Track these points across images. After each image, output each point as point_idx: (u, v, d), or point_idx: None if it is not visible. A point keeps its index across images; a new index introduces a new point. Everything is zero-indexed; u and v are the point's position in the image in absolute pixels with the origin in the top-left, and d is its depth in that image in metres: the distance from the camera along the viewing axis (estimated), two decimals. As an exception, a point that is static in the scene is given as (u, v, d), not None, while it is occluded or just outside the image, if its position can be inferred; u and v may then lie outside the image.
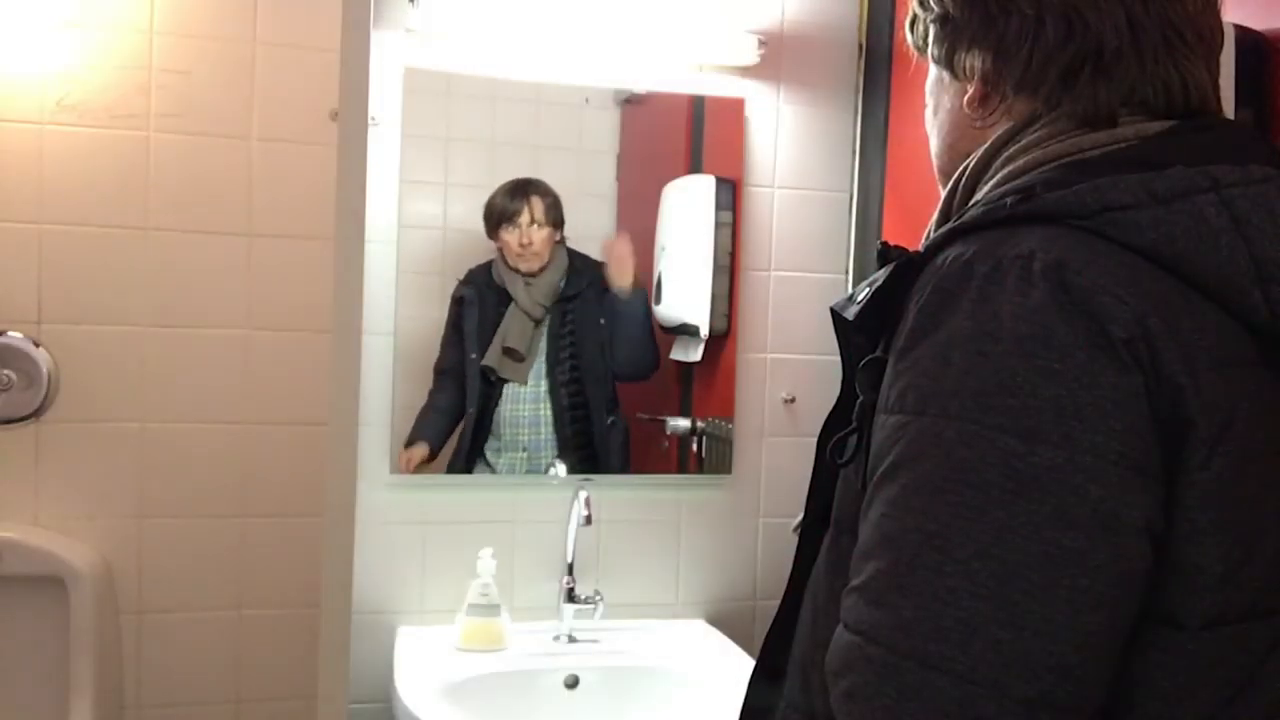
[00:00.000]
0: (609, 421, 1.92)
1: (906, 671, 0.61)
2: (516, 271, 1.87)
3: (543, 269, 1.88)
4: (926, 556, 0.62)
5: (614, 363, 1.92)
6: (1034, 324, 0.63)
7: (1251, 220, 0.67)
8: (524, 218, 1.86)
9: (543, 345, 1.89)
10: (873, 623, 0.63)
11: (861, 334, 0.75)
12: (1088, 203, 0.67)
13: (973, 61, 0.80)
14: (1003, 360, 0.63)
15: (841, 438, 0.76)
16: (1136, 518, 0.62)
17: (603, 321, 1.91)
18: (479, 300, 1.86)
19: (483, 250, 1.86)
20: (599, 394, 1.92)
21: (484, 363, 1.87)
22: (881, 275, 0.74)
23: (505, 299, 1.87)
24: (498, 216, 1.86)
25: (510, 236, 1.86)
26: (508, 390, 1.89)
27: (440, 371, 1.86)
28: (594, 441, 1.91)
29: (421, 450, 1.85)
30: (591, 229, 1.91)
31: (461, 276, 1.85)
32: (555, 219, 1.88)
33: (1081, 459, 0.61)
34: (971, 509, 0.61)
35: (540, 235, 1.87)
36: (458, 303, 1.85)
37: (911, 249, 0.75)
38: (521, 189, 1.86)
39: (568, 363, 1.90)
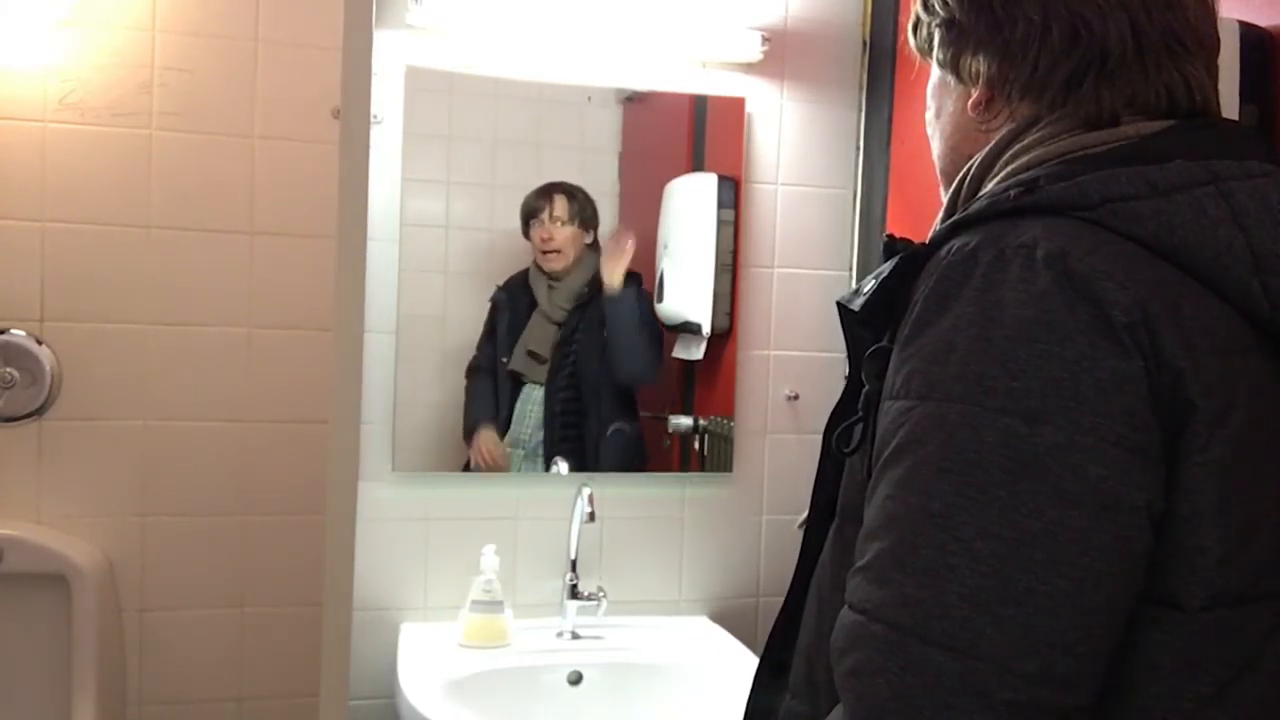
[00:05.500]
0: (611, 429, 1.91)
1: (909, 648, 0.62)
2: (543, 273, 1.88)
3: (568, 271, 1.89)
4: (930, 535, 0.63)
5: (614, 368, 1.90)
6: (1037, 309, 0.64)
7: (1250, 213, 0.68)
8: (546, 214, 1.86)
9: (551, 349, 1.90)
10: (876, 601, 0.64)
11: (867, 327, 0.76)
12: (1089, 194, 0.68)
13: (978, 66, 0.80)
14: (1005, 344, 0.64)
15: (848, 427, 0.77)
16: (1136, 498, 0.63)
17: (605, 327, 1.90)
18: (510, 305, 1.87)
19: (485, 248, 1.87)
20: (596, 401, 1.91)
21: (510, 366, 1.88)
22: (886, 268, 0.74)
23: (535, 302, 1.88)
24: (526, 214, 1.87)
25: (535, 233, 1.87)
26: (524, 391, 1.89)
27: (474, 369, 1.87)
28: (584, 449, 1.90)
29: (489, 432, 1.87)
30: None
31: (500, 282, 1.87)
32: (583, 219, 1.88)
33: (1082, 440, 0.62)
34: (974, 489, 0.62)
35: (563, 233, 1.87)
36: (492, 307, 1.87)
37: (918, 242, 0.75)
38: (548, 189, 1.87)
39: (568, 369, 1.90)
